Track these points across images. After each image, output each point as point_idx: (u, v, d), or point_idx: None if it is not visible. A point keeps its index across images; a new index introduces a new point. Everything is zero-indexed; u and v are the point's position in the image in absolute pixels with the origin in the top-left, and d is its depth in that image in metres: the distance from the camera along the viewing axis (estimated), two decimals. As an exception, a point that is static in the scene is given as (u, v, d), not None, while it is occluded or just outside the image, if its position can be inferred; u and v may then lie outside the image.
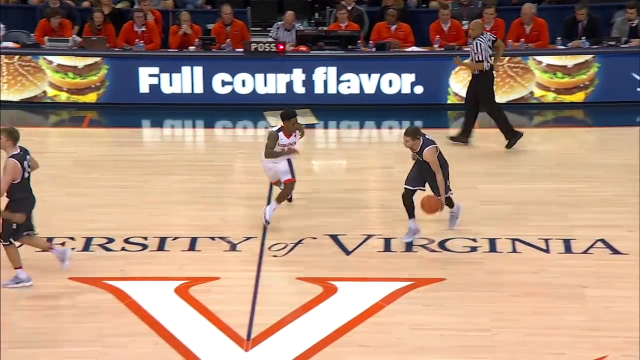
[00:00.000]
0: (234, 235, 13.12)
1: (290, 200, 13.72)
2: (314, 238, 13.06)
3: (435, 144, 12.49)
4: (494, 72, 15.94)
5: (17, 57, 17.90)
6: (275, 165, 13.23)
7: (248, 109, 17.71)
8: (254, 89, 17.93)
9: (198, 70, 17.88)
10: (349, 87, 17.98)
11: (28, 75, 17.93)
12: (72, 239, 12.97)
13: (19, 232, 11.67)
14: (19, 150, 11.57)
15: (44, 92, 17.95)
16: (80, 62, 17.91)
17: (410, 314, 11.35)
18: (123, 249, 12.79)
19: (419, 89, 17.81)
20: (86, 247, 12.80)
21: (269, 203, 13.41)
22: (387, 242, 13.00)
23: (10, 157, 11.50)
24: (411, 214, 12.71)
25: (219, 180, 14.95)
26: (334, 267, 12.22)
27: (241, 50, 18.13)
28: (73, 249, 12.65)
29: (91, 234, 13.04)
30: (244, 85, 17.93)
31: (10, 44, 18.27)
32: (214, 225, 13.01)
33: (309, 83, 17.91)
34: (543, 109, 18.14)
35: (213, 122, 17.59)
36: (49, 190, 14.32)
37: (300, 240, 13.02)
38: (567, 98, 18.12)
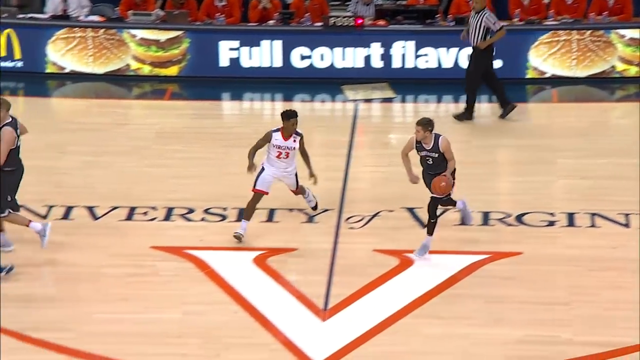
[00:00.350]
0: (312, 207, 13.25)
1: (314, 208, 12.95)
2: (391, 211, 13.13)
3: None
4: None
5: (102, 30, 18.21)
6: (278, 173, 12.33)
7: (326, 82, 17.80)
8: (332, 63, 18.01)
9: (277, 44, 18.01)
10: (426, 61, 17.97)
11: (112, 48, 18.24)
12: (153, 208, 13.22)
13: (14, 202, 11.81)
14: (10, 118, 11.77)
15: (128, 65, 18.24)
16: (163, 35, 18.16)
17: (487, 287, 11.37)
18: (203, 219, 13.01)
19: (497, 63, 17.71)
20: (167, 217, 13.04)
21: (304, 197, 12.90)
22: (464, 215, 13.00)
23: (5, 125, 11.68)
24: (430, 231, 11.93)
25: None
26: (410, 240, 12.28)
27: (320, 24, 18.21)
28: (154, 219, 12.92)
29: (172, 204, 13.27)
30: (322, 59, 18.02)
31: (95, 18, 18.59)
32: (292, 197, 13.13)
33: (386, 57, 17.93)
34: (625, 83, 17.93)
35: (291, 95, 17.73)
36: (131, 162, 14.63)
37: (377, 213, 13.09)
38: (650, 72, 17.89)
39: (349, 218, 13.00)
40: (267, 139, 12.19)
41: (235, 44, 18.03)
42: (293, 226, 12.84)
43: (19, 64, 17.98)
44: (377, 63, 17.97)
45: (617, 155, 14.75)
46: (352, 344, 10.57)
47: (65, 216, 13.01)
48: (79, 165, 14.46)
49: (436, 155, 11.78)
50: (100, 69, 18.22)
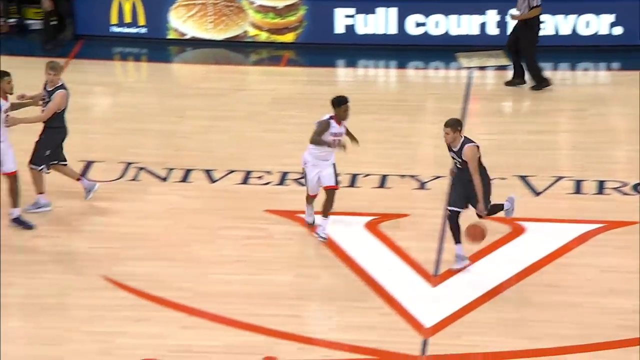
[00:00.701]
0: (424, 173, 13.34)
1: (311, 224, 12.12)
2: (503, 178, 13.12)
3: (476, 144, 11.09)
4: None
5: (221, -3, 18.58)
6: (318, 168, 11.73)
7: (440, 50, 17.78)
8: (447, 30, 17.97)
9: (392, 11, 18.02)
10: (543, 29, 17.77)
11: (231, 15, 18.53)
12: (268, 173, 13.48)
13: (50, 159, 12.33)
14: (61, 81, 12.28)
15: (245, 31, 18.52)
16: (280, 2, 18.37)
17: (600, 256, 11.31)
18: (316, 184, 13.20)
19: (617, 30, 17.45)
20: (281, 182, 13.29)
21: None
22: (578, 184, 12.93)
23: (60, 87, 12.19)
24: (457, 238, 11.23)
25: (409, 120, 15.18)
26: (522, 208, 12.24)
27: (437, -9, 18.18)
28: (268, 183, 13.19)
29: (286, 169, 13.50)
30: (437, 26, 17.99)
31: (216, -15, 18.93)
32: (404, 163, 13.25)
33: (502, 24, 17.79)
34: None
35: (405, 62, 17.75)
36: (247, 126, 14.91)
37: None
38: None
39: (461, 185, 13.03)
40: (326, 126, 11.54)
41: (351, 11, 18.12)
42: (405, 192, 12.94)
43: (143, 30, 18.41)
44: (492, 30, 17.86)
45: None
46: (461, 310, 10.68)
47: (184, 179, 13.37)
48: (198, 130, 14.79)
49: (460, 160, 10.99)
50: (219, 36, 18.54)
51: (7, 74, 11.97)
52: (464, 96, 16.06)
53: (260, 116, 15.28)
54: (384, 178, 13.24)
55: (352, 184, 13.09)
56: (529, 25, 15.88)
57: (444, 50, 17.73)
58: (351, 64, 17.82)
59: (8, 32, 18.02)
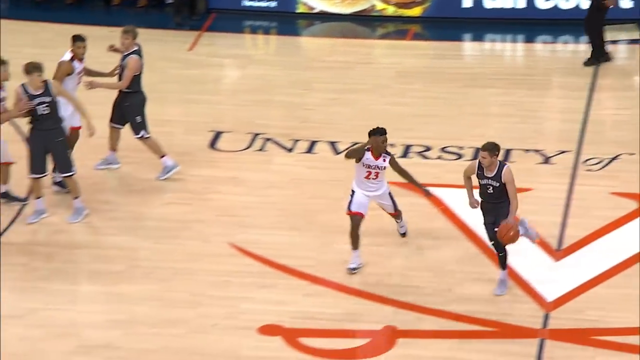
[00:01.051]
0: (548, 148, 13.27)
1: (403, 235, 11.62)
2: (632, 154, 12.95)
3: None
4: None
5: (350, -29, 18.69)
6: (370, 195, 11.07)
7: (570, 24, 17.54)
8: (578, 4, 17.72)
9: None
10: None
11: (360, -11, 18.66)
12: (391, 145, 13.54)
13: (144, 124, 12.50)
14: (137, 47, 12.51)
15: (373, 5, 18.60)
16: (409, -24, 18.42)
17: None
18: (439, 157, 13.28)
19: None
20: (404, 154, 13.39)
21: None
22: None
23: (132, 53, 12.43)
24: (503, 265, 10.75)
25: (535, 94, 15.07)
26: (649, 183, 12.14)
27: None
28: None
29: (409, 142, 13.60)
30: (567, 0, 17.77)
31: (344, -41, 19.05)
32: (528, 137, 13.19)
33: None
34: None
35: (533, 37, 17.59)
36: (372, 99, 15.04)
37: (617, 156, 12.95)
38: None
39: (586, 160, 12.94)
40: (360, 153, 10.97)
41: (480, -16, 18.04)
42: (529, 167, 12.91)
43: (273, 4, 18.66)
44: (625, 3, 17.55)
45: None
46: (584, 285, 10.65)
47: (309, 150, 13.60)
48: (324, 102, 14.99)
49: (497, 184, 10.48)
50: (347, 10, 18.67)
51: (80, 38, 12.39)
52: (593, 71, 15.84)
53: (384, 89, 15.39)
54: (507, 152, 13.22)
55: (475, 157, 13.09)
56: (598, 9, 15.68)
57: (574, 24, 17.49)
58: (478, 38, 17.75)
59: (146, 5, 18.51)
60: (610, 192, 12.14)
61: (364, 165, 10.96)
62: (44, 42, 16.52)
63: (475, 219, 11.70)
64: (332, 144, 13.71)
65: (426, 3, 18.37)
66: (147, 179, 12.71)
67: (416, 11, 18.46)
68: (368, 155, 10.92)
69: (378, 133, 10.90)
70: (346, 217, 11.42)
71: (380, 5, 18.57)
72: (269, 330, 10.13)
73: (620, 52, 16.86)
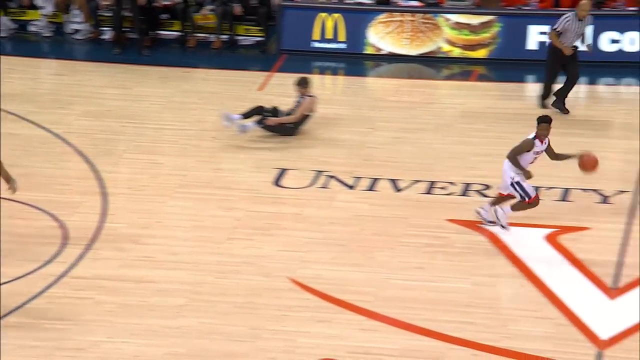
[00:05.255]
0: (607, 187, 13.36)
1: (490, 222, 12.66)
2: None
3: None
4: None
5: (419, 15, 18.97)
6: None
7: (634, 67, 17.59)
8: (644, 48, 17.81)
9: (587, 29, 17.96)
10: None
11: (427, 31, 18.92)
12: (452, 183, 13.80)
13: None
14: (311, 94, 14.37)
15: (439, 47, 18.85)
16: (476, 20, 18.64)
17: None
18: (499, 196, 13.41)
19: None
20: (464, 192, 13.57)
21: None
22: None
23: (308, 95, 14.88)
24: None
25: (596, 135, 15.17)
26: None
27: (634, 8, 18.00)
28: (451, 193, 13.49)
29: (470, 180, 13.79)
30: (632, 43, 17.83)
31: (415, 3, 19.36)
32: (588, 177, 13.26)
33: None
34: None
35: (596, 78, 17.67)
36: (435, 138, 15.24)
37: (676, 197, 12.99)
38: None
39: (646, 201, 12.99)
40: (530, 145, 12.15)
41: (545, 28, 18.14)
42: (586, 205, 13.00)
43: (342, 46, 19.02)
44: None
45: None
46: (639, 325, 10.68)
47: (371, 188, 13.86)
48: (387, 141, 15.22)
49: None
50: (414, 51, 18.94)
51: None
52: (653, 112, 15.88)
53: (448, 129, 15.59)
54: (566, 191, 13.33)
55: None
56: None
57: (637, 67, 17.54)
58: (542, 79, 17.85)
59: (220, 47, 18.95)
60: (671, 233, 12.17)
61: (535, 154, 12.10)
62: (123, 82, 17.02)
63: (533, 258, 11.85)
64: (394, 181, 13.96)
65: (492, 45, 18.59)
66: (212, 215, 13.06)
67: (481, 53, 18.68)
68: (537, 142, 12.08)
69: (542, 121, 12.14)
70: (404, 254, 11.69)
71: (446, 47, 18.84)
72: (324, 364, 10.35)
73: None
